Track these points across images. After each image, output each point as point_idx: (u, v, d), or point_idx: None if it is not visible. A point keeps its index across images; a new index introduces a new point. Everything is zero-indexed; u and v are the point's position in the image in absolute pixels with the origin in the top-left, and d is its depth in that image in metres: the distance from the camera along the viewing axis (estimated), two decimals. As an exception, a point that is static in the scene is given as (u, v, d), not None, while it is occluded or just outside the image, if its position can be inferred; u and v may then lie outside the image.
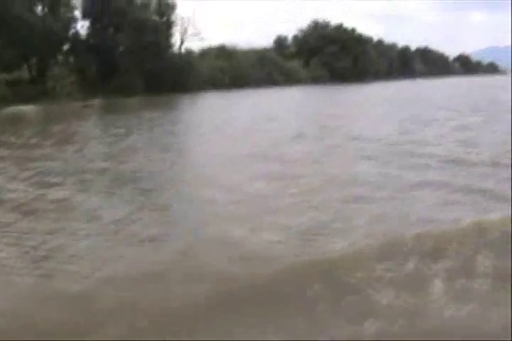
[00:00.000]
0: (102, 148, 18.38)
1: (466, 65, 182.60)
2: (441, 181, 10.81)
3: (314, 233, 8.29)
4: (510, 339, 5.53)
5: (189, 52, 69.35)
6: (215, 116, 31.60)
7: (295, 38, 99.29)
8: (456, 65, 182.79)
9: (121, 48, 64.90)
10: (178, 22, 68.53)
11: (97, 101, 51.68)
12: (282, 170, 12.70)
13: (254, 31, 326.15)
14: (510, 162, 12.55)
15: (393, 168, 12.62)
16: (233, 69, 71.57)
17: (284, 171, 12.71)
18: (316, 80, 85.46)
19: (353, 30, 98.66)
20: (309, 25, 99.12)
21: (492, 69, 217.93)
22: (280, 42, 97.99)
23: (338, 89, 67.93)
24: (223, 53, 73.93)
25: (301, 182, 11.69)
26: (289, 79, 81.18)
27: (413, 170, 12.10)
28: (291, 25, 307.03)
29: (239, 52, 76.40)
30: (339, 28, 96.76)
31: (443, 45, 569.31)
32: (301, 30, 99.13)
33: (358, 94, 58.87)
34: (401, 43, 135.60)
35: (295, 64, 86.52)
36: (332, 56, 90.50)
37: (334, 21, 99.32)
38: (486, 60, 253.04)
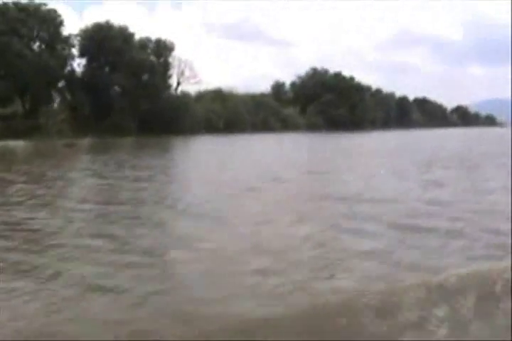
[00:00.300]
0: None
1: (464, 117, 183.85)
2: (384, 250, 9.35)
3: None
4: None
5: (185, 95, 69.09)
6: (193, 162, 30.36)
7: (293, 84, 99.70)
8: (454, 116, 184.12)
9: (116, 87, 64.46)
10: (176, 63, 68.65)
11: (86, 141, 50.63)
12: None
13: (253, 76, 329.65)
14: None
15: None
16: (229, 113, 71.06)
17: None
18: (312, 127, 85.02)
19: (352, 79, 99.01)
20: (308, 72, 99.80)
21: (490, 121, 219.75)
22: (278, 87, 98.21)
23: (332, 138, 67.03)
24: (219, 96, 73.57)
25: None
26: (285, 125, 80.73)
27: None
28: (290, 71, 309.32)
29: (235, 96, 76.14)
30: (337, 75, 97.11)
31: (442, 96, 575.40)
32: (300, 77, 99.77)
33: (348, 143, 57.92)
34: (401, 93, 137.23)
35: (292, 110, 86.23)
36: (329, 104, 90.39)
37: (334, 69, 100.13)
38: (484, 111, 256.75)
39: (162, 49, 66.60)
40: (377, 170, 23.80)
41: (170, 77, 69.74)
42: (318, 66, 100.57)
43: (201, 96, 73.67)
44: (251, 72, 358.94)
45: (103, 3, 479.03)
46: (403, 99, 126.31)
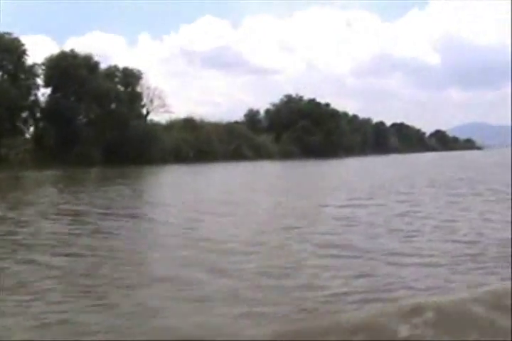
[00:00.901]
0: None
1: (442, 141, 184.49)
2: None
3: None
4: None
5: (153, 124, 67.54)
6: (149, 195, 28.59)
7: (267, 111, 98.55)
8: (433, 140, 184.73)
9: (82, 117, 62.81)
10: (144, 93, 67.28)
11: (49, 172, 49.00)
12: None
13: (233, 104, 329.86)
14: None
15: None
16: (199, 143, 69.55)
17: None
18: (287, 155, 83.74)
19: (327, 105, 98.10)
20: (282, 99, 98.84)
21: (470, 144, 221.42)
22: (252, 115, 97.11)
23: (303, 166, 65.62)
24: (190, 125, 72.07)
25: None
26: (258, 153, 79.33)
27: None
28: (268, 99, 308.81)
29: (206, 125, 74.70)
30: (312, 102, 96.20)
31: (421, 121, 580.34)
32: (274, 104, 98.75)
33: (319, 171, 56.71)
34: (380, 119, 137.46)
35: (265, 138, 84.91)
36: (304, 131, 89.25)
37: (309, 96, 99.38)
38: (464, 135, 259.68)
39: (129, 78, 65.16)
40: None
41: (142, 106, 68.50)
42: (300, 93, 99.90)
43: (171, 125, 72.18)
44: (230, 100, 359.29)
45: (85, 34, 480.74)
46: (380, 125, 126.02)
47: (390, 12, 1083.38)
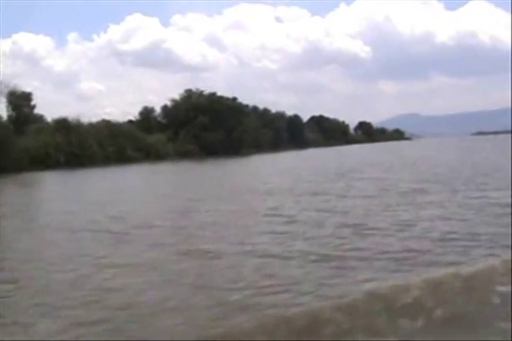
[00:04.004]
0: None
1: (368, 133, 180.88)
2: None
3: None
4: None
5: (3, 126, 58.31)
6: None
7: (165, 108, 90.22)
8: (359, 133, 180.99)
9: None
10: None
11: None
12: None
13: (160, 103, 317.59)
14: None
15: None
16: (73, 146, 61.52)
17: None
18: (184, 155, 76.45)
19: (228, 99, 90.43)
20: (182, 95, 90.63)
21: (398, 135, 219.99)
22: (147, 113, 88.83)
23: (191, 168, 58.58)
24: (63, 127, 63.62)
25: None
26: (148, 155, 71.77)
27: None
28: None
29: (83, 127, 66.54)
30: (212, 96, 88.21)
31: (355, 114, 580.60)
32: (173, 100, 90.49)
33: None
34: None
35: (159, 137, 77.26)
36: (203, 127, 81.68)
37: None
38: (401, 127, 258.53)
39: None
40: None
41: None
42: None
43: (42, 128, 63.63)
44: (164, 98, 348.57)
45: (12, 36, 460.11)
46: (295, 118, 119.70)
47: (318, 7, 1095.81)
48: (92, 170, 56.09)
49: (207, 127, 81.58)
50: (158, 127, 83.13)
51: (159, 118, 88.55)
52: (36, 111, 69.47)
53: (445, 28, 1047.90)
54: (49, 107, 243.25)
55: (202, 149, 79.73)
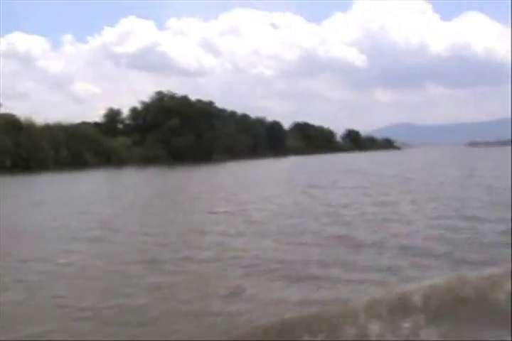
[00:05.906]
0: None
1: (356, 141, 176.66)
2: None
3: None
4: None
5: None
6: None
7: (133, 110, 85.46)
8: (346, 141, 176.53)
9: None
10: None
11: None
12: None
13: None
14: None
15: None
16: (22, 148, 56.94)
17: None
18: (151, 160, 71.78)
19: (204, 103, 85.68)
20: (152, 97, 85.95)
21: (387, 144, 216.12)
22: (112, 116, 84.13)
23: (153, 176, 54.08)
24: (12, 128, 58.95)
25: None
26: (109, 159, 67.10)
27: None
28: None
29: (37, 127, 61.94)
30: (184, 99, 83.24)
31: (349, 122, 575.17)
32: (143, 102, 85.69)
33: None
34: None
35: (123, 141, 72.66)
36: (172, 131, 77.01)
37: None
38: (392, 135, 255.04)
39: None
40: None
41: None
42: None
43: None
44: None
45: (6, 37, 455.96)
46: (275, 125, 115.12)
47: (314, 13, 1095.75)
48: (37, 175, 51.71)
49: (176, 131, 76.96)
50: (125, 130, 78.49)
51: (128, 121, 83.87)
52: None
53: (440, 39, 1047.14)
54: (43, 108, 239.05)
55: (170, 154, 75.15)
